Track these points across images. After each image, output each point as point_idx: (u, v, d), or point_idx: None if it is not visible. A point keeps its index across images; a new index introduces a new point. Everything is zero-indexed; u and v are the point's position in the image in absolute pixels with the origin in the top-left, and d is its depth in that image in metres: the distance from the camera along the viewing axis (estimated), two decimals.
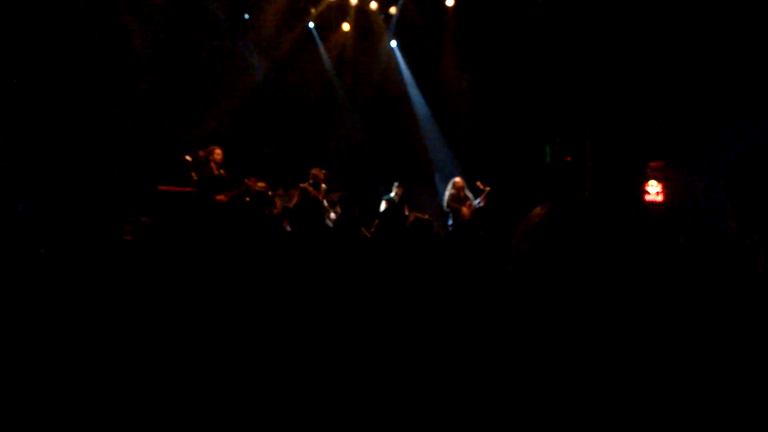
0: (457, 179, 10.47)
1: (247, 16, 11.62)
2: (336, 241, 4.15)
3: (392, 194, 10.81)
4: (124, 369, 2.14)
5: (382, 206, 10.55)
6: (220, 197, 8.38)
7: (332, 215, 9.79)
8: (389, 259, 3.56)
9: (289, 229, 4.55)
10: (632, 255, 0.93)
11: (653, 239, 0.95)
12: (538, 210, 1.01)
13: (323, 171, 9.95)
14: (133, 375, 2.12)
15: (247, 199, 9.71)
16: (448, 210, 10.45)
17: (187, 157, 9.14)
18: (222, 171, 8.76)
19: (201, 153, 8.77)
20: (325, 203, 9.70)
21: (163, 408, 2.05)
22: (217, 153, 8.70)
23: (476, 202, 10.32)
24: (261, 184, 9.94)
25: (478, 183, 10.38)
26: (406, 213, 10.39)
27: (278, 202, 9.87)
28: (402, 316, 2.80)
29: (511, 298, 1.01)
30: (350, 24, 12.16)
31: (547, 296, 0.94)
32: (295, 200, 9.67)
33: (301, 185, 9.68)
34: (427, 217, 10.27)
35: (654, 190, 9.68)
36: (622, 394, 0.93)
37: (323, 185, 9.80)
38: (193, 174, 9.02)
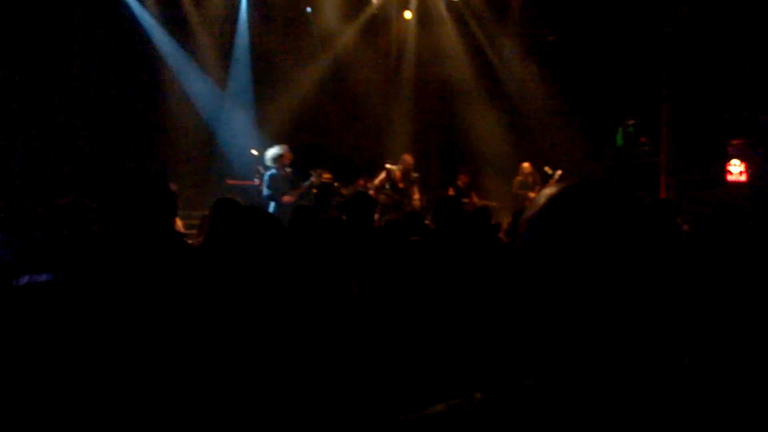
0: (525, 164, 10.21)
1: (309, 9, 11.69)
2: (390, 233, 4.10)
3: (458, 182, 10.66)
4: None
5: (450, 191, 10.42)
6: (287, 198, 8.41)
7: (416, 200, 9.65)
8: (444, 249, 3.49)
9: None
10: (636, 245, 0.86)
11: (663, 229, 0.89)
12: (543, 195, 0.96)
13: (413, 157, 9.78)
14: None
15: (315, 190, 9.78)
16: (518, 196, 10.22)
17: (254, 151, 9.30)
18: (288, 170, 8.69)
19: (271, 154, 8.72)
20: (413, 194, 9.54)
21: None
22: (286, 156, 8.57)
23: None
24: (327, 176, 10.01)
25: (547, 168, 10.09)
26: (476, 201, 10.26)
27: (344, 192, 9.92)
28: (447, 303, 2.73)
29: (521, 285, 0.96)
30: (412, 12, 12.05)
31: (553, 285, 0.90)
32: (380, 178, 9.62)
33: (387, 166, 9.58)
34: (494, 204, 10.16)
35: (737, 170, 9.16)
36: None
37: (414, 174, 9.64)
38: (261, 168, 9.16)
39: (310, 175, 9.19)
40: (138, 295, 2.46)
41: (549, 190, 0.94)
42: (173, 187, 8.75)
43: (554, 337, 0.89)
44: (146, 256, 2.59)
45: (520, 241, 0.94)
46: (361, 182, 10.13)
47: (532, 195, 9.91)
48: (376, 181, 9.71)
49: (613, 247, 0.84)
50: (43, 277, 3.08)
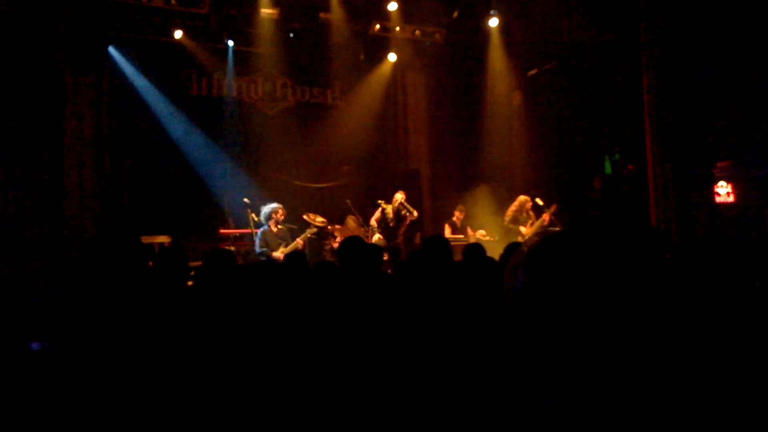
0: (522, 197, 10.21)
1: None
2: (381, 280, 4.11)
3: (453, 218, 10.73)
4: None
5: (446, 232, 10.45)
6: (278, 255, 8.48)
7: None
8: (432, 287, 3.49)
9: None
10: (623, 286, 0.89)
11: (651, 266, 0.92)
12: (529, 241, 1.01)
13: (404, 195, 9.92)
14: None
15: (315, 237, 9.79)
16: (509, 229, 10.23)
17: (246, 200, 9.37)
18: (281, 227, 8.92)
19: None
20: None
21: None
22: (279, 213, 8.87)
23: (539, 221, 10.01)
24: (321, 220, 10.06)
25: (538, 200, 10.13)
26: (471, 235, 10.31)
27: (338, 236, 9.94)
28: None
29: (512, 328, 0.99)
30: (396, 54, 12.27)
31: (543, 328, 0.93)
32: (376, 216, 9.74)
33: (382, 204, 9.74)
34: (488, 238, 10.18)
35: (724, 191, 9.26)
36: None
37: (404, 212, 9.76)
38: (254, 216, 9.23)
39: (305, 229, 9.34)
40: (120, 358, 2.47)
41: (531, 240, 0.98)
42: (164, 239, 8.84)
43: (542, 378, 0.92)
44: (124, 315, 2.61)
45: (506, 289, 0.97)
46: (352, 222, 10.21)
47: (522, 229, 9.92)
48: (373, 220, 9.82)
49: (596, 293, 0.87)
50: (35, 346, 3.10)
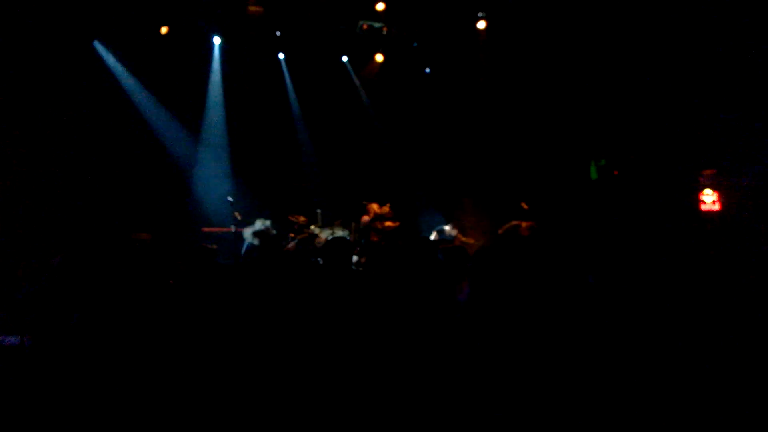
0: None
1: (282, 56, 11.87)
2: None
3: (445, 227, 10.67)
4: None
5: (433, 236, 10.39)
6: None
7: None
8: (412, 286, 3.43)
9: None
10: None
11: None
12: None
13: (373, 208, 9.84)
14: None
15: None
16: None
17: (230, 198, 9.25)
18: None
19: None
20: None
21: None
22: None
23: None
24: (302, 219, 9.97)
25: (523, 204, 10.08)
26: (459, 236, 10.24)
27: (321, 236, 9.83)
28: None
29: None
30: (383, 55, 12.21)
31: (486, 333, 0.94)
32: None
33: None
34: (472, 241, 10.13)
35: (710, 199, 9.25)
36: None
37: (385, 223, 9.69)
38: (237, 215, 9.11)
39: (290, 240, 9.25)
40: (107, 354, 2.39)
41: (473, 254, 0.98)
42: (145, 236, 8.68)
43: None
44: (111, 311, 2.52)
45: (456, 298, 0.97)
46: (337, 224, 10.11)
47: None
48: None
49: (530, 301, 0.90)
50: (12, 340, 3.00)
